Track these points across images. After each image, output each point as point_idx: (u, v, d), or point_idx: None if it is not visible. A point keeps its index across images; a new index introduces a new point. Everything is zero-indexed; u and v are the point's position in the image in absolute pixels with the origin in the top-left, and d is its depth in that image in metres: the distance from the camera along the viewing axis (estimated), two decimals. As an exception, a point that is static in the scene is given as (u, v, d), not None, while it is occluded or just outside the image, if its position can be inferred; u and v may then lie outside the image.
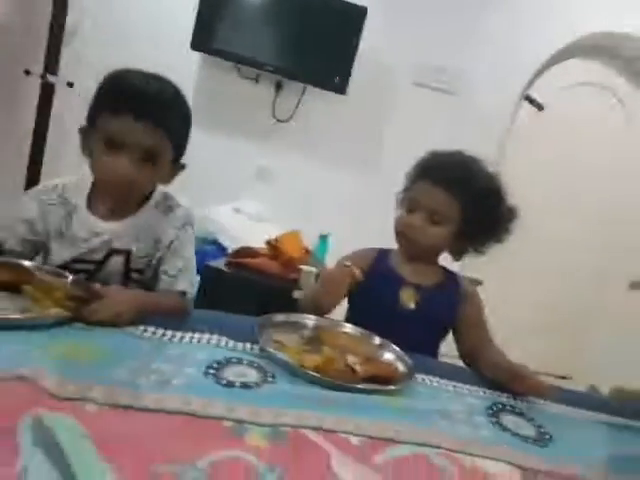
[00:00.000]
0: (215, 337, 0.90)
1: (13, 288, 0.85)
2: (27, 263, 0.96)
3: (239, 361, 0.84)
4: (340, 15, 2.44)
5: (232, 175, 2.61)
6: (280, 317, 1.02)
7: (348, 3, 2.42)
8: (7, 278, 0.86)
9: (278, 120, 2.64)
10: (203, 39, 2.40)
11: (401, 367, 0.97)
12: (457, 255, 1.23)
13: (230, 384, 0.75)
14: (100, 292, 0.87)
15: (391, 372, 0.92)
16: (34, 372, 0.64)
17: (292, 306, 1.14)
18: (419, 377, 0.96)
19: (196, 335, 0.89)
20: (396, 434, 0.72)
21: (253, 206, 2.49)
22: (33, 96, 2.35)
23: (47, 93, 2.35)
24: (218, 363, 0.81)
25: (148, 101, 0.94)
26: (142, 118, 0.93)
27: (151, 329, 0.88)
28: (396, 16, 2.56)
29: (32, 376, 0.64)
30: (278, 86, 2.61)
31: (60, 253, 1.03)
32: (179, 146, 1.03)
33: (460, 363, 1.21)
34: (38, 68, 2.32)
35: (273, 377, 0.81)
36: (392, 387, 0.86)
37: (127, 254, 1.05)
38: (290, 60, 2.52)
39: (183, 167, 1.08)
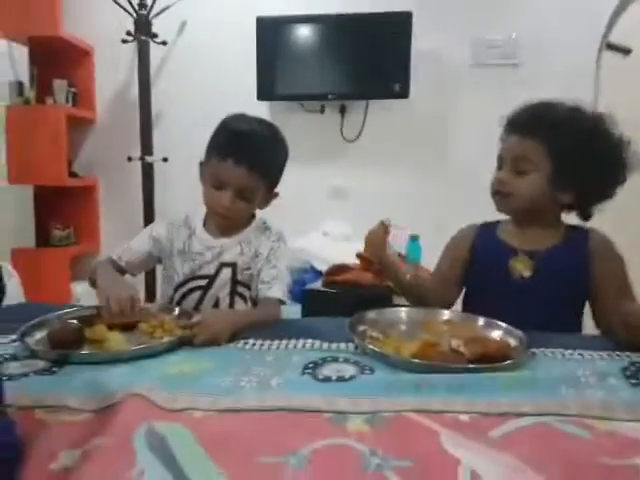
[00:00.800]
0: (310, 341, 0.90)
1: (131, 327, 0.97)
2: (140, 304, 1.06)
3: (335, 359, 0.83)
4: (387, 25, 2.46)
5: (315, 201, 2.67)
6: (372, 314, 1.00)
7: (392, 12, 2.43)
8: (130, 318, 0.98)
9: (347, 140, 2.67)
10: (266, 89, 2.56)
11: (513, 342, 0.89)
12: (577, 209, 1.10)
13: (327, 379, 0.75)
14: (200, 319, 0.95)
15: (501, 348, 0.85)
16: (147, 389, 0.70)
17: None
18: (538, 351, 0.87)
19: (292, 341, 0.91)
20: (512, 407, 0.66)
21: (338, 226, 2.51)
22: (137, 175, 2.64)
23: (147, 171, 2.63)
24: (314, 363, 0.81)
25: (245, 147, 1.11)
26: (240, 163, 1.10)
27: (251, 341, 0.92)
28: (440, 10, 2.52)
29: (145, 393, 0.69)
30: (342, 109, 2.66)
31: (181, 268, 1.19)
32: (273, 181, 1.19)
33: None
34: (136, 152, 2.61)
35: (371, 370, 0.79)
36: (502, 363, 0.79)
37: (234, 267, 1.18)
38: (350, 83, 2.58)
39: (277, 195, 1.23)
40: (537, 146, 1.04)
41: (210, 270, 1.18)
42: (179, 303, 1.19)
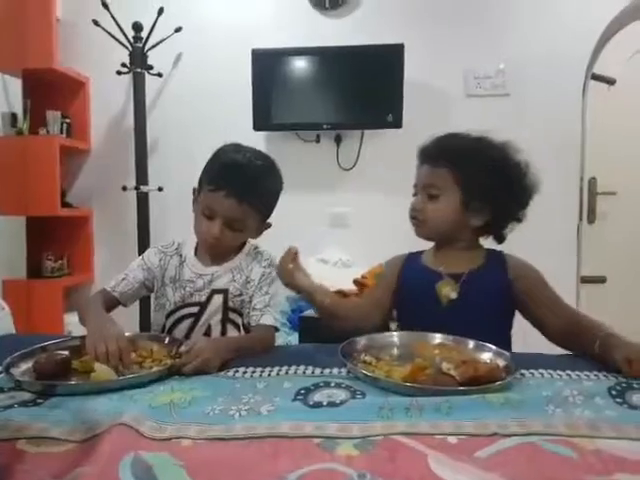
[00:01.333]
0: (302, 367, 0.91)
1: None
2: (129, 334, 1.06)
3: (327, 384, 0.83)
4: (380, 57, 2.53)
5: (313, 229, 2.69)
6: (364, 339, 1.01)
7: (384, 45, 2.50)
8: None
9: (343, 169, 2.71)
10: (262, 119, 2.61)
11: (502, 364, 0.90)
12: (491, 233, 1.18)
13: (317, 404, 0.75)
14: (189, 347, 0.95)
15: (491, 371, 0.86)
16: (134, 419, 0.69)
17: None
18: (527, 372, 0.88)
19: (284, 368, 0.91)
20: (500, 429, 0.67)
21: (336, 253, 2.52)
22: (132, 205, 2.65)
23: (142, 201, 2.65)
24: (306, 389, 0.81)
25: (237, 179, 1.11)
26: (230, 195, 1.10)
27: (242, 369, 0.91)
28: (432, 42, 2.60)
29: (131, 423, 0.68)
30: (338, 139, 2.71)
31: (173, 295, 1.20)
32: (265, 212, 1.19)
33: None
34: (131, 182, 2.64)
35: (362, 394, 0.79)
36: (492, 385, 0.80)
37: (225, 293, 1.18)
38: (344, 113, 2.63)
39: (269, 225, 1.23)
40: (445, 174, 1.11)
41: (201, 297, 1.18)
42: (170, 331, 1.19)
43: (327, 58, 2.60)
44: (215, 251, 1.19)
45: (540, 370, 0.89)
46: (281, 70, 2.60)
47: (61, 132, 2.68)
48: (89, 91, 2.83)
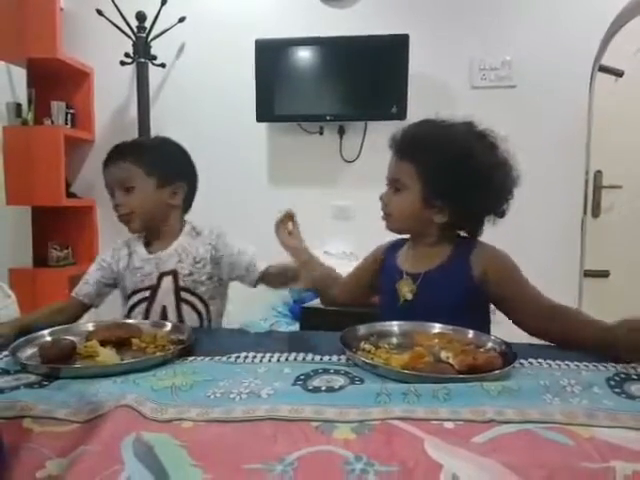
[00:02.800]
0: (302, 354, 0.92)
1: (125, 343, 0.99)
2: (133, 321, 1.13)
3: (326, 371, 0.84)
4: (384, 48, 2.52)
5: (316, 222, 2.68)
6: (364, 327, 1.01)
7: (389, 35, 2.49)
8: (121, 334, 1.01)
9: (346, 161, 2.71)
10: (265, 111, 2.61)
11: (501, 354, 0.90)
12: (461, 229, 1.13)
13: (316, 389, 0.76)
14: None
15: (489, 359, 0.86)
16: (136, 401, 0.71)
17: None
18: (525, 362, 0.89)
19: (284, 354, 0.92)
20: (497, 415, 0.67)
21: (340, 246, 2.53)
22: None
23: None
24: (306, 375, 0.82)
25: (117, 147, 1.27)
26: (112, 161, 1.24)
27: (243, 354, 0.93)
28: (437, 33, 2.58)
29: (133, 404, 0.70)
30: (341, 130, 2.71)
31: (128, 284, 1.27)
32: (153, 169, 1.24)
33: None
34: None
35: (361, 380, 0.80)
36: (490, 373, 0.81)
37: (174, 274, 1.25)
38: (348, 104, 2.63)
39: (180, 186, 1.29)
40: (409, 167, 1.07)
41: (152, 281, 1.24)
42: (128, 315, 1.25)
43: (331, 49, 2.59)
44: (133, 226, 1.25)
45: (539, 360, 0.90)
46: (285, 61, 2.59)
47: (65, 122, 2.69)
48: (93, 81, 2.84)
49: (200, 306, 1.26)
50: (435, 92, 2.62)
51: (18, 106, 2.66)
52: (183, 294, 1.24)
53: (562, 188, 2.55)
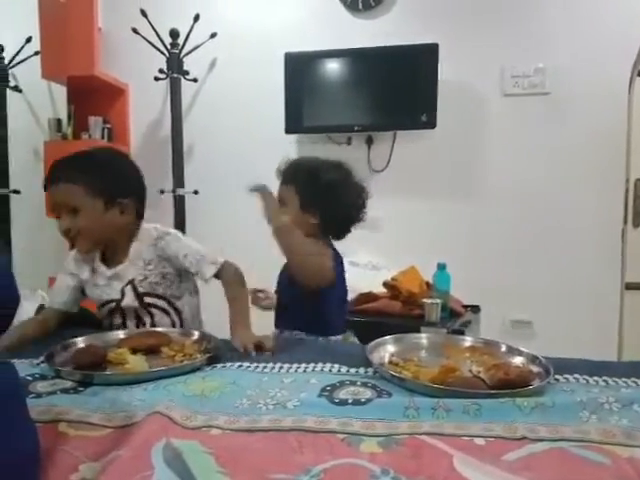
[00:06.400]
0: (328, 365, 0.91)
1: (155, 351, 1.01)
2: (162, 329, 1.15)
3: (352, 383, 0.83)
4: (413, 57, 2.51)
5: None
6: (392, 339, 1.00)
7: (418, 45, 2.48)
8: (151, 342, 1.03)
9: (375, 171, 2.70)
10: (294, 123, 2.63)
11: (535, 369, 0.88)
12: (326, 234, 1.39)
13: (343, 402, 0.75)
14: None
15: (522, 374, 0.84)
16: (166, 408, 0.72)
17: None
18: (561, 377, 0.86)
19: (310, 365, 0.92)
20: (529, 433, 0.65)
21: (366, 256, 2.51)
22: (169, 207, 2.73)
23: (179, 203, 2.73)
24: (332, 386, 0.81)
25: (52, 170, 1.18)
26: (51, 184, 1.16)
27: (270, 365, 0.93)
28: (467, 41, 2.56)
29: (164, 411, 0.71)
30: (369, 140, 2.70)
31: (94, 296, 1.26)
32: (94, 184, 1.17)
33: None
34: (168, 185, 2.71)
35: (388, 394, 0.79)
36: (523, 389, 0.78)
37: (132, 282, 1.23)
38: (376, 114, 2.62)
39: (128, 203, 1.23)
40: (288, 188, 1.35)
41: (117, 295, 1.23)
42: (108, 324, 1.26)
43: (359, 59, 2.60)
44: (81, 245, 1.21)
45: (575, 375, 0.86)
46: (313, 73, 2.61)
47: (102, 137, 2.78)
48: (129, 97, 2.92)
49: (166, 306, 1.25)
50: (466, 100, 2.59)
51: (58, 121, 2.77)
52: (146, 298, 1.23)
53: (601, 198, 2.47)
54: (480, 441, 0.63)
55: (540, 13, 2.51)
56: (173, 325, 1.26)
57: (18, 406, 0.59)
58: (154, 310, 1.24)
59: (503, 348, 0.97)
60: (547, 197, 2.49)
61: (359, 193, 1.42)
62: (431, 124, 2.47)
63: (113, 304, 1.24)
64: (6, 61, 2.56)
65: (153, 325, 1.23)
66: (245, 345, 1.00)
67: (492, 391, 0.79)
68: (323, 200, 1.35)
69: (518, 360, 0.93)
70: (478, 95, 2.58)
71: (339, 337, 1.31)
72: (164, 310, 1.25)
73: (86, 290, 1.27)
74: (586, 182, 2.46)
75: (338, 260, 1.38)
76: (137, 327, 1.24)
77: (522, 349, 0.95)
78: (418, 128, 2.53)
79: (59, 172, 1.17)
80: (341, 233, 1.42)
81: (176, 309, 1.26)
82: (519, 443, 0.63)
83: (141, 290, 1.22)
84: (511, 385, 0.79)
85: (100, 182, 1.17)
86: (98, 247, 1.25)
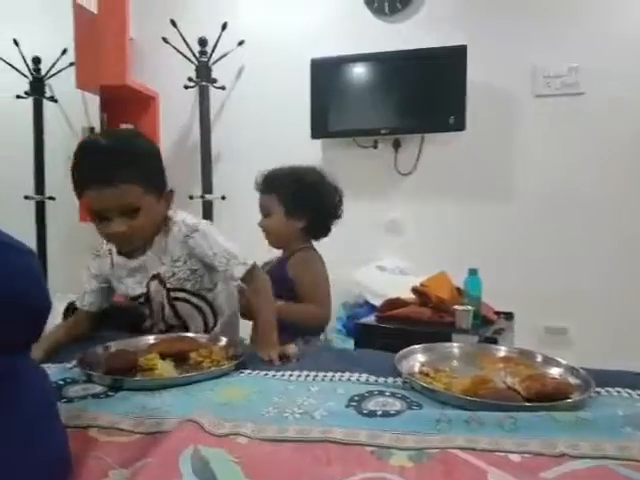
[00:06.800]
0: (355, 374, 0.89)
1: (183, 356, 1.01)
2: (192, 334, 1.15)
3: (381, 393, 0.81)
4: (441, 59, 2.47)
5: (370, 236, 2.66)
6: (422, 348, 0.98)
7: (446, 47, 2.45)
8: (181, 348, 1.03)
9: (402, 174, 2.67)
10: (319, 127, 2.64)
11: (574, 380, 0.84)
12: (310, 235, 1.51)
13: (372, 413, 0.73)
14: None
15: (560, 386, 0.81)
16: (198, 415, 0.71)
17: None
18: (602, 390, 0.82)
19: (337, 373, 0.90)
20: (569, 449, 0.62)
21: (394, 261, 2.48)
22: (198, 213, 2.76)
23: (207, 209, 2.76)
24: (360, 396, 0.79)
25: (93, 169, 1.02)
26: (99, 186, 1.01)
27: (296, 372, 0.92)
28: (496, 42, 2.51)
29: (195, 417, 0.70)
30: (396, 143, 2.68)
31: (119, 291, 1.24)
32: (149, 181, 1.08)
33: None
34: (197, 191, 2.75)
35: (419, 406, 0.76)
36: (562, 402, 0.75)
37: (159, 277, 1.19)
38: (404, 118, 2.60)
39: (171, 192, 1.17)
40: (270, 197, 1.47)
41: (143, 289, 1.20)
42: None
43: (386, 63, 2.58)
44: (133, 246, 1.16)
45: (617, 388, 0.82)
46: (339, 78, 2.61)
47: (133, 144, 2.83)
48: (158, 105, 2.97)
49: (196, 300, 1.23)
50: (495, 102, 2.54)
51: (92, 130, 2.84)
52: (174, 293, 1.21)
53: (638, 201, 2.38)
54: (516, 457, 0.61)
55: (572, 9, 2.44)
56: (204, 318, 1.25)
57: (49, 411, 0.59)
58: (180, 304, 1.22)
59: (539, 358, 0.94)
60: (582, 200, 2.41)
61: (336, 191, 1.52)
62: (460, 126, 2.43)
63: (141, 299, 1.22)
64: (43, 72, 2.64)
65: (181, 318, 1.23)
66: (270, 356, 0.99)
67: (528, 404, 0.75)
68: (308, 203, 1.45)
69: (555, 371, 0.89)
70: (508, 96, 2.53)
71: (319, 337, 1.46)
72: (193, 304, 1.24)
73: (113, 284, 1.24)
74: (623, 184, 2.37)
75: (321, 261, 1.51)
76: (164, 320, 1.23)
77: (559, 359, 0.91)
78: (447, 130, 2.50)
79: (109, 173, 1.00)
80: (324, 233, 1.53)
81: (207, 301, 1.24)
82: (558, 460, 0.59)
83: (169, 286, 1.20)
84: (548, 398, 0.76)
85: (155, 176, 1.11)
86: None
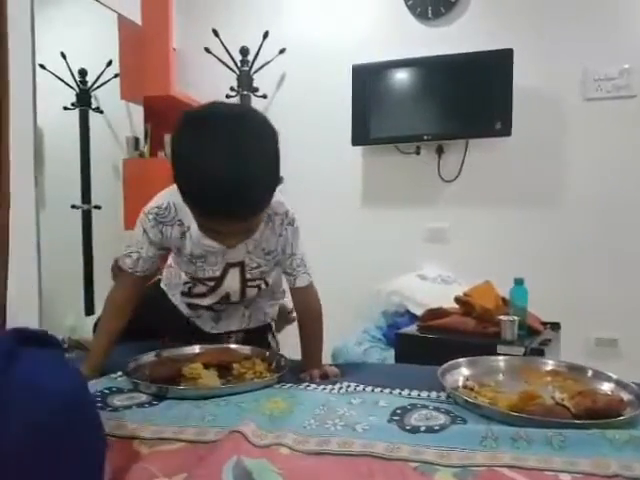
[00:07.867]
0: (397, 389, 0.88)
1: (227, 367, 1.03)
2: (235, 346, 1.17)
3: (424, 407, 0.80)
4: (486, 63, 2.42)
5: (411, 244, 2.63)
6: (467, 362, 0.96)
7: (491, 51, 2.40)
8: (224, 359, 1.05)
9: (445, 181, 2.63)
10: (360, 135, 2.63)
11: (626, 396, 0.80)
12: None
13: (415, 429, 0.72)
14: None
15: (611, 403, 0.77)
16: (244, 426, 0.72)
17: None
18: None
19: (378, 387, 0.89)
20: (623, 469, 0.59)
21: (436, 269, 2.44)
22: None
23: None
24: (402, 409, 0.79)
25: (230, 204, 0.87)
26: (233, 219, 0.90)
27: (337, 385, 0.92)
28: (544, 45, 2.44)
29: (240, 429, 0.71)
30: (439, 149, 2.64)
31: (183, 267, 1.13)
32: (273, 189, 0.94)
33: None
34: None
35: (463, 421, 0.75)
36: (614, 419, 0.72)
37: (241, 266, 1.10)
38: (447, 123, 2.56)
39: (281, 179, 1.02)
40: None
41: (215, 272, 1.10)
42: (190, 305, 1.21)
43: (428, 68, 2.55)
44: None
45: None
46: (381, 83, 2.59)
47: (177, 153, 2.90)
48: (202, 114, 3.04)
49: (263, 285, 1.20)
50: (544, 106, 2.46)
51: (136, 140, 2.93)
52: (249, 283, 1.15)
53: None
54: (565, 477, 0.59)
55: (622, 9, 2.34)
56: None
57: (85, 414, 0.60)
58: (252, 289, 1.18)
59: (589, 373, 0.90)
60: (633, 206, 2.31)
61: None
62: (506, 132, 2.37)
63: (210, 283, 1.13)
64: (89, 84, 2.75)
65: (245, 299, 1.19)
66: (312, 375, 1.01)
67: (578, 421, 0.73)
68: None
69: (606, 386, 0.86)
70: (556, 100, 2.45)
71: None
72: (259, 287, 1.20)
73: (175, 261, 1.15)
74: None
75: None
76: (227, 298, 1.17)
77: (610, 374, 0.87)
78: (492, 136, 2.44)
79: (239, 214, 0.89)
80: None
81: (267, 283, 1.21)
82: (612, 482, 0.57)
83: (248, 277, 1.13)
84: (599, 415, 0.73)
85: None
86: None
